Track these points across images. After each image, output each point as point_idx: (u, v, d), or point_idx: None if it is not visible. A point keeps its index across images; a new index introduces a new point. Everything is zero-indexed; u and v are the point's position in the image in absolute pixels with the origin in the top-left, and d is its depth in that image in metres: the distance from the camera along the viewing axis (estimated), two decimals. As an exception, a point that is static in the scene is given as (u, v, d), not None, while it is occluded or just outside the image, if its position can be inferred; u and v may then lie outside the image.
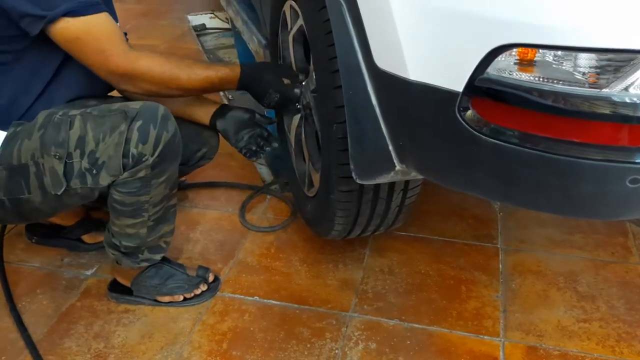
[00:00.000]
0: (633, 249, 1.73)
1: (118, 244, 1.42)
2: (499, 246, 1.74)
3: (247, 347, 1.41)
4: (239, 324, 1.47)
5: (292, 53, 1.61)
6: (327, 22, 1.20)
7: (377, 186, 1.39)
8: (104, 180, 1.28)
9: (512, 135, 0.95)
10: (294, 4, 1.48)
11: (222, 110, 1.56)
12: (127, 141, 1.25)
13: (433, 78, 1.00)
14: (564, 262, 1.67)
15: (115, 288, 1.55)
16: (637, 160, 0.90)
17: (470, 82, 0.94)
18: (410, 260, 1.68)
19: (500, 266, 1.66)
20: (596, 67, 0.88)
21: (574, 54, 0.88)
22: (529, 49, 0.90)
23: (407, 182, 1.43)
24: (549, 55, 0.90)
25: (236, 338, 1.43)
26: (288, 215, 1.87)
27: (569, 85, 0.89)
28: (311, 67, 1.45)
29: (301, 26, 1.45)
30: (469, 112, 0.98)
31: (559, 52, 0.89)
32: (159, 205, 1.37)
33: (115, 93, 1.55)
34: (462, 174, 1.09)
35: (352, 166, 1.23)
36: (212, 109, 1.56)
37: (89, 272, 1.65)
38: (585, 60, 0.88)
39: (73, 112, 1.30)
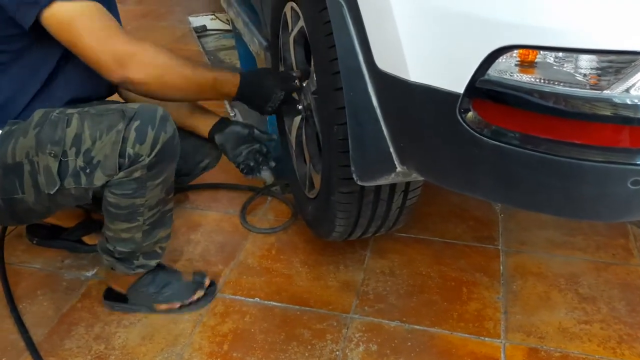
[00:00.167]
0: (634, 251, 1.72)
1: (112, 249, 1.39)
2: (500, 248, 1.73)
3: (248, 349, 1.40)
4: (239, 326, 1.47)
5: (293, 54, 1.61)
6: (328, 23, 1.20)
7: (378, 188, 1.39)
8: (99, 180, 1.25)
9: (513, 137, 0.95)
10: (294, 5, 1.48)
11: (221, 125, 1.55)
12: (124, 140, 1.22)
13: (434, 79, 1.00)
14: (565, 263, 1.67)
15: (110, 296, 1.53)
16: (638, 162, 0.89)
17: (471, 84, 0.94)
18: (411, 262, 1.68)
19: (501, 268, 1.66)
20: (597, 69, 0.88)
21: (575, 55, 0.88)
22: (530, 51, 0.90)
23: (408, 184, 1.43)
24: (550, 57, 0.90)
25: (237, 339, 1.43)
26: (289, 217, 1.87)
27: (570, 87, 0.89)
28: (312, 68, 1.45)
29: (302, 27, 1.45)
30: (470, 114, 0.97)
31: (560, 54, 0.89)
32: (155, 209, 1.34)
33: (115, 97, 1.54)
34: (463, 175, 1.09)
35: (352, 167, 1.23)
36: (211, 122, 1.56)
37: (89, 274, 1.65)
38: (586, 62, 0.88)
39: (70, 110, 1.28)
